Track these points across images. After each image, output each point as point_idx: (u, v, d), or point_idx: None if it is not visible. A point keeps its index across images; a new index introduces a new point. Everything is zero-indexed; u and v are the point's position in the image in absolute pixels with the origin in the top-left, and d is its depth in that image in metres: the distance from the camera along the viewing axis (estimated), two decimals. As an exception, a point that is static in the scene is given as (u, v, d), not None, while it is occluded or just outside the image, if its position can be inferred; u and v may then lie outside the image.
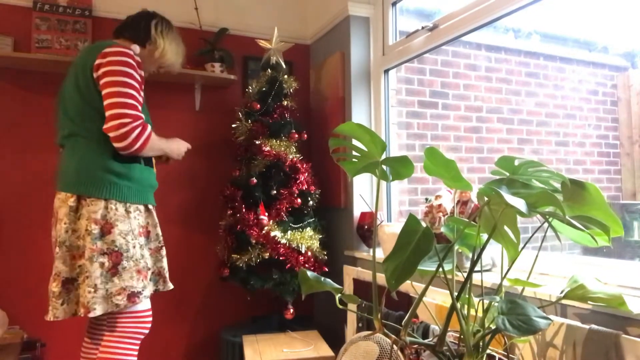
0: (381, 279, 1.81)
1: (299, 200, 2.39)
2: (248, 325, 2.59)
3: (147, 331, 1.76)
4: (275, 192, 2.39)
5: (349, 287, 2.32)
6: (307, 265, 2.29)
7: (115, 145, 1.66)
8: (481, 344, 1.10)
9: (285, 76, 2.53)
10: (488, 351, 1.13)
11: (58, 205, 1.70)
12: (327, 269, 2.38)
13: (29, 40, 2.34)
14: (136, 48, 1.83)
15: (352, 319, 2.20)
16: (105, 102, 1.66)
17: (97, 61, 1.68)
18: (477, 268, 1.38)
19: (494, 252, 1.70)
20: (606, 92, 3.50)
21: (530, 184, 1.10)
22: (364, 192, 2.48)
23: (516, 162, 1.12)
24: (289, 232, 2.32)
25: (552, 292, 1.34)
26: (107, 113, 1.65)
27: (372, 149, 1.21)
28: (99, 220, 1.64)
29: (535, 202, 1.02)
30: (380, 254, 2.20)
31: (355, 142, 1.25)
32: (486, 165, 3.22)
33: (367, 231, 2.34)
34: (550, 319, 1.00)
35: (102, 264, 1.62)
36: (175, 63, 2.01)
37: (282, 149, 2.41)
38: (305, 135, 2.55)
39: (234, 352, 2.36)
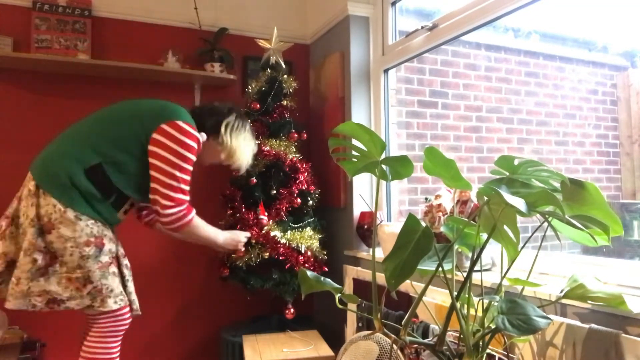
0: (381, 278, 1.81)
1: (299, 200, 2.39)
2: (248, 325, 2.59)
3: (125, 327, 1.72)
4: (275, 192, 2.39)
5: (348, 287, 2.32)
6: (307, 265, 2.29)
7: (160, 217, 1.69)
8: (481, 343, 1.10)
9: (285, 76, 2.53)
10: (488, 351, 1.13)
11: (24, 184, 1.67)
12: (327, 269, 2.38)
13: (28, 40, 2.34)
14: (203, 136, 1.83)
15: (352, 318, 2.20)
16: (158, 176, 1.67)
17: (163, 125, 1.69)
18: (477, 268, 1.38)
19: (493, 251, 1.70)
20: (606, 92, 3.50)
21: (530, 184, 1.11)
22: (363, 192, 2.48)
23: (516, 162, 1.12)
24: (289, 232, 2.32)
25: (551, 292, 1.34)
26: (155, 188, 1.67)
27: (371, 149, 1.21)
28: (43, 217, 1.57)
29: (535, 202, 1.02)
30: (380, 254, 2.20)
31: (355, 141, 1.25)
32: (486, 164, 3.22)
33: (366, 231, 2.34)
34: (550, 319, 1.00)
35: (34, 260, 1.54)
36: (243, 165, 1.99)
37: (282, 148, 2.41)
38: (305, 135, 2.55)
39: (234, 352, 2.36)
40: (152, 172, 1.68)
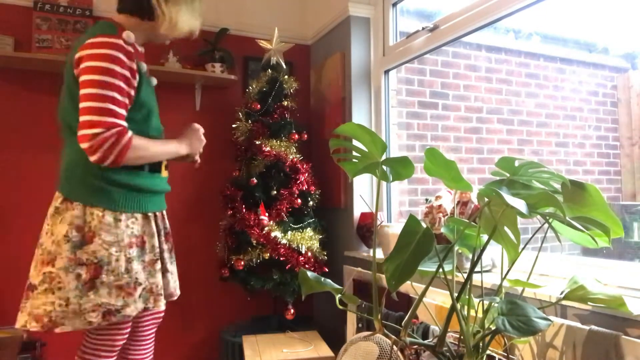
0: (381, 279, 1.81)
1: (299, 201, 2.39)
2: (248, 325, 2.59)
3: (123, 341, 1.61)
4: (275, 192, 2.40)
5: (349, 288, 2.32)
6: (307, 266, 2.29)
7: (90, 158, 1.43)
8: (481, 344, 1.10)
9: (286, 76, 2.53)
10: (488, 352, 1.13)
11: (51, 205, 1.55)
12: (327, 270, 2.38)
13: (29, 40, 2.35)
14: (129, 36, 1.53)
15: (352, 319, 2.20)
16: (80, 106, 1.43)
17: (78, 54, 1.45)
18: (477, 269, 1.38)
19: (494, 252, 1.70)
20: (606, 93, 3.50)
21: (530, 185, 1.11)
22: (364, 193, 2.49)
23: (516, 163, 1.12)
24: (289, 232, 2.32)
25: (552, 293, 1.34)
26: (80, 119, 1.42)
27: (372, 150, 1.21)
28: (82, 227, 1.46)
29: (535, 203, 1.02)
30: (380, 255, 2.20)
31: (355, 142, 1.25)
32: (486, 166, 3.22)
33: (367, 231, 2.34)
34: (550, 320, 1.00)
35: (78, 276, 1.44)
36: (193, 28, 1.68)
37: (282, 149, 2.41)
38: (306, 136, 2.55)
39: (234, 352, 2.36)
40: (80, 103, 1.43)
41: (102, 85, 1.42)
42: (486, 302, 1.15)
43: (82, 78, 1.44)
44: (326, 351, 2.13)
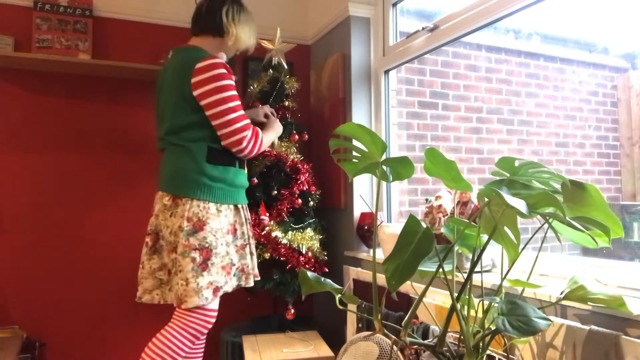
0: (381, 279, 1.81)
1: (300, 201, 2.39)
2: (248, 325, 2.59)
3: (207, 330, 1.81)
4: (276, 192, 2.40)
5: (349, 288, 2.32)
6: (307, 266, 2.29)
7: (240, 155, 1.86)
8: (481, 344, 1.11)
9: (287, 77, 2.53)
10: (488, 352, 1.13)
11: (155, 202, 1.88)
12: (327, 270, 2.38)
13: (29, 40, 2.35)
14: (223, 56, 1.94)
15: (352, 319, 2.20)
16: (215, 123, 1.79)
17: (193, 80, 1.78)
18: (477, 269, 1.38)
19: (494, 252, 1.70)
20: (606, 93, 3.50)
21: (530, 185, 1.11)
22: (364, 193, 2.49)
23: (516, 163, 1.12)
24: (290, 232, 2.32)
25: (552, 293, 1.34)
26: (220, 132, 1.80)
27: (372, 150, 1.21)
28: (192, 218, 1.74)
29: (535, 203, 1.02)
30: (380, 255, 2.20)
31: (355, 142, 1.25)
32: (486, 166, 3.22)
33: (367, 232, 2.34)
34: (550, 320, 1.00)
35: (193, 259, 1.71)
36: (250, 45, 2.05)
37: (283, 149, 2.41)
38: (306, 136, 2.55)
39: (234, 352, 2.36)
40: (213, 121, 1.80)
41: (226, 101, 1.79)
42: (486, 302, 1.15)
43: (207, 101, 1.77)
44: (326, 351, 2.13)
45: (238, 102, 1.83)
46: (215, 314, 1.82)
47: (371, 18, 2.56)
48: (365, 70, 2.54)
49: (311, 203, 2.45)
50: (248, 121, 1.84)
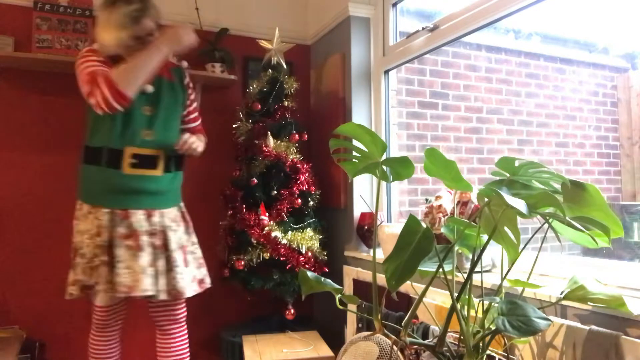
0: (381, 279, 1.81)
1: (300, 201, 2.39)
2: (248, 325, 2.59)
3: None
4: (275, 192, 2.39)
5: (349, 288, 2.32)
6: (307, 266, 2.29)
7: (104, 110, 1.67)
8: (481, 344, 1.11)
9: (286, 77, 2.53)
10: (488, 352, 1.13)
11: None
12: (327, 270, 2.38)
13: (29, 40, 2.34)
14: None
15: (352, 319, 2.20)
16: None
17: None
18: (477, 269, 1.38)
19: (494, 252, 1.70)
20: (606, 93, 3.50)
21: (530, 185, 1.11)
22: (364, 193, 2.49)
23: (516, 163, 1.12)
24: (290, 232, 2.32)
25: (552, 293, 1.34)
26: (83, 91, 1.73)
27: (372, 150, 1.21)
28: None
29: (535, 203, 1.02)
30: (380, 255, 2.20)
31: (355, 142, 1.25)
32: (486, 166, 3.22)
33: (367, 232, 2.34)
34: (550, 320, 1.00)
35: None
36: (110, 42, 1.72)
37: (283, 149, 2.41)
38: (306, 136, 2.55)
39: (234, 352, 2.36)
40: None
41: (83, 71, 1.81)
42: (486, 302, 1.15)
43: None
44: (326, 351, 2.13)
45: (88, 63, 1.70)
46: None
47: (371, 18, 2.56)
48: (365, 70, 2.54)
49: (311, 203, 2.45)
50: (92, 69, 1.66)
